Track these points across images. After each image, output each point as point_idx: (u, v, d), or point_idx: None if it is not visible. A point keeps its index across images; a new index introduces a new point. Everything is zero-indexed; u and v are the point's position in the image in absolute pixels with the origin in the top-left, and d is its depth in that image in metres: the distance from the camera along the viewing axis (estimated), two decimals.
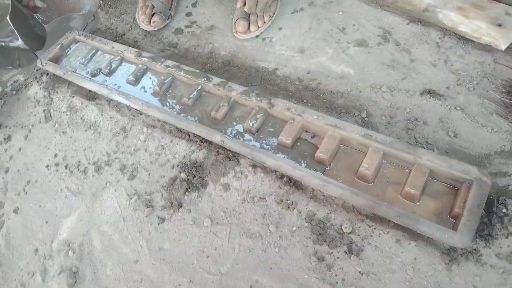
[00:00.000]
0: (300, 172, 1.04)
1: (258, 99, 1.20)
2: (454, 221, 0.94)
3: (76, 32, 1.60)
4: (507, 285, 0.87)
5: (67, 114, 1.44)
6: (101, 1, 1.74)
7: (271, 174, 1.11)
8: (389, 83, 1.20)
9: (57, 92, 1.51)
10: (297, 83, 1.29)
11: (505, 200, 0.94)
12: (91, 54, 1.53)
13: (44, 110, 1.49)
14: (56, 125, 1.44)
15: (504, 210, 0.93)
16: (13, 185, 1.40)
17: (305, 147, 1.13)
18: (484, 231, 0.93)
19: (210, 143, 1.21)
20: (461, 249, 0.92)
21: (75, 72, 1.47)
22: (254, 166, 1.14)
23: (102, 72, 1.47)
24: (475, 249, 0.92)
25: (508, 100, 1.07)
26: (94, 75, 1.47)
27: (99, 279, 1.14)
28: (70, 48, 1.59)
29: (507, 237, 0.91)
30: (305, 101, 1.24)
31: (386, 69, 1.23)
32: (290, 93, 1.28)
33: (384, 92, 1.19)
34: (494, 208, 0.94)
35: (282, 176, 1.10)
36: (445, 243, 0.92)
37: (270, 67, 1.36)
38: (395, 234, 0.97)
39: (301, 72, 1.32)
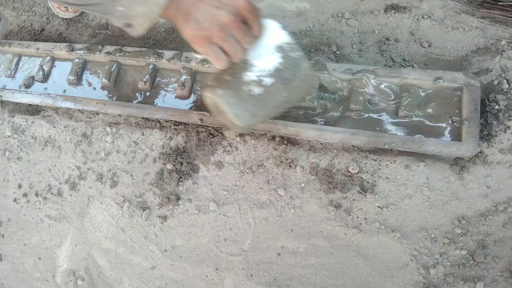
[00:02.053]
0: (293, 128, 0.99)
1: None
2: (457, 127, 0.94)
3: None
4: None
5: (14, 138, 1.28)
6: None
7: (261, 138, 1.06)
8: (349, 7, 1.14)
9: None
10: None
11: (495, 97, 0.95)
12: (14, 62, 1.33)
13: None
14: (7, 153, 1.28)
15: (497, 107, 0.95)
16: None
17: None
18: (484, 132, 0.94)
19: (185, 124, 1.12)
20: (469, 156, 0.94)
21: (5, 88, 1.28)
22: (241, 135, 1.08)
23: (36, 80, 1.29)
24: (480, 152, 0.94)
25: None
26: (28, 85, 1.29)
27: None
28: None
29: (505, 131, 0.94)
30: None
31: None
32: None
33: (348, 19, 1.13)
34: (487, 107, 0.96)
35: (273, 137, 1.05)
36: (453, 156, 0.93)
37: None
38: (402, 161, 0.97)
39: None
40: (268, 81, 0.78)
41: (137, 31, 0.72)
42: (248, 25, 0.73)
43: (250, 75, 0.78)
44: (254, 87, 0.78)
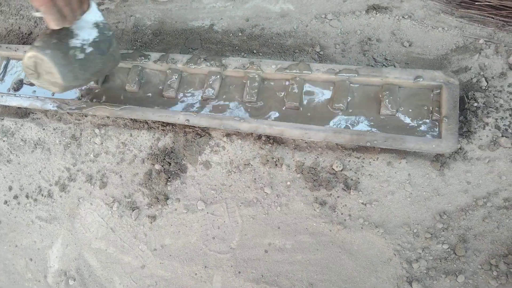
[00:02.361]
0: (278, 127, 1.01)
1: (208, 63, 1.13)
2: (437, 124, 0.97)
3: None
4: (494, 171, 0.94)
5: (3, 141, 1.29)
6: None
7: (248, 138, 1.08)
8: (332, 9, 1.17)
9: None
10: (240, 34, 1.22)
11: (473, 94, 0.98)
12: (2, 66, 1.34)
13: None
14: None
15: (476, 104, 0.97)
16: None
17: (272, 100, 1.09)
18: (463, 129, 0.97)
19: (173, 125, 1.14)
20: (449, 153, 0.96)
21: None
22: (228, 135, 1.10)
23: (25, 83, 1.30)
24: (460, 148, 0.96)
25: None
26: (17, 88, 1.30)
27: None
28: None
29: (484, 128, 0.96)
30: (254, 51, 1.19)
31: None
32: (237, 47, 1.21)
33: (331, 20, 1.15)
34: (466, 105, 0.98)
35: (259, 137, 1.07)
36: (433, 153, 0.96)
37: (206, 25, 1.27)
38: (385, 158, 1.00)
39: (240, 21, 1.24)
40: (88, 49, 0.97)
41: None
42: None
43: (75, 42, 0.95)
44: (78, 52, 0.96)
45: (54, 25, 0.88)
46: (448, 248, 0.93)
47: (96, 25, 0.98)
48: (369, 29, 1.12)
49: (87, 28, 0.97)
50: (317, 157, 1.04)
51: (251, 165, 1.07)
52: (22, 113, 1.30)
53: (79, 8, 0.90)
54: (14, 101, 1.25)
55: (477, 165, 0.95)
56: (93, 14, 0.97)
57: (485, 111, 0.97)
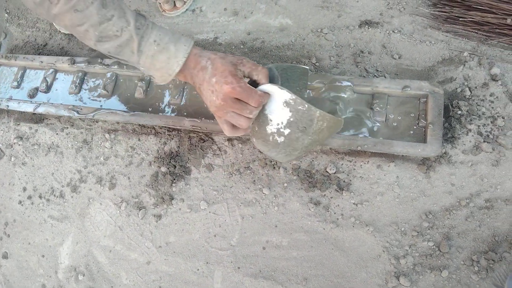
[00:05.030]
0: None
1: None
2: (423, 130, 1.04)
3: None
4: (477, 174, 1.01)
5: (19, 145, 1.38)
6: (6, 15, 1.61)
7: (248, 142, 1.16)
8: (327, 23, 1.25)
9: None
10: (242, 46, 1.31)
11: (458, 103, 1.05)
12: (20, 75, 1.43)
13: None
14: (12, 159, 1.37)
15: (460, 112, 1.05)
16: None
17: None
18: (448, 135, 1.04)
19: (178, 130, 1.22)
20: (434, 156, 1.03)
21: (11, 99, 1.38)
22: (229, 139, 1.17)
23: (40, 91, 1.39)
24: (444, 153, 1.04)
25: (436, 12, 1.16)
26: (32, 95, 1.39)
27: None
28: None
29: (467, 134, 1.04)
30: (255, 62, 1.27)
31: (321, 10, 1.27)
32: None
33: (326, 33, 1.24)
34: (450, 112, 1.06)
35: None
36: (420, 156, 1.03)
37: (210, 38, 1.36)
38: (375, 161, 1.07)
39: (242, 34, 1.33)
40: (286, 131, 0.88)
41: (158, 83, 0.88)
42: (250, 88, 0.81)
43: (270, 128, 0.89)
44: (276, 136, 0.89)
45: (229, 134, 0.88)
46: (433, 245, 1.00)
47: (286, 104, 0.85)
48: (362, 43, 1.20)
49: (279, 110, 0.87)
50: (312, 160, 1.11)
51: (251, 168, 1.14)
52: (37, 118, 1.39)
53: (244, 112, 0.83)
54: (29, 108, 1.34)
55: (460, 168, 1.02)
56: (279, 95, 0.85)
57: (469, 119, 1.04)
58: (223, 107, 0.82)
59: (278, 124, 0.88)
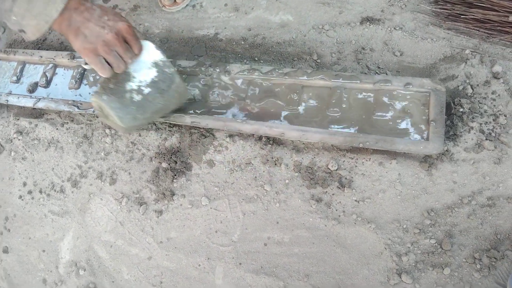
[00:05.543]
0: (277, 129, 1.09)
1: (212, 69, 1.21)
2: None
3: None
4: (479, 172, 1.01)
5: (19, 139, 1.37)
6: None
7: (249, 138, 1.16)
8: (328, 20, 1.25)
9: None
10: (242, 42, 1.30)
11: (459, 100, 1.06)
12: (19, 69, 1.42)
13: None
14: (12, 153, 1.37)
15: (461, 109, 1.05)
16: None
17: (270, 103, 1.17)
18: (450, 132, 1.05)
19: (179, 126, 1.22)
20: (436, 154, 1.03)
21: (10, 93, 1.37)
22: (231, 136, 1.17)
23: (39, 86, 1.38)
24: (446, 150, 1.04)
25: (437, 9, 1.16)
26: (31, 90, 1.38)
27: (120, 286, 1.17)
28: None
29: (469, 132, 1.04)
30: (256, 58, 1.27)
31: (322, 7, 1.27)
32: (239, 55, 1.29)
33: (327, 30, 1.23)
34: (452, 110, 1.06)
35: (260, 138, 1.15)
36: (422, 154, 1.03)
37: (210, 33, 1.35)
38: (377, 158, 1.07)
39: (242, 30, 1.32)
40: (146, 90, 0.96)
41: (29, 38, 0.87)
42: (128, 44, 0.89)
43: (131, 85, 0.95)
44: (134, 94, 0.96)
45: (104, 73, 0.91)
46: (435, 243, 1.00)
47: (155, 64, 0.97)
48: (363, 39, 1.20)
49: (145, 69, 0.96)
50: (314, 157, 1.11)
51: (252, 164, 1.14)
52: (37, 113, 1.38)
53: (125, 54, 0.90)
54: (29, 102, 1.33)
55: (462, 166, 1.03)
56: (151, 54, 0.97)
57: (470, 116, 1.04)
58: (112, 43, 0.86)
59: (140, 82, 0.96)
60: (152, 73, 0.97)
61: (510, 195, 0.98)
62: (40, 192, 1.31)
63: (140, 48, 0.94)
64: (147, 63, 0.96)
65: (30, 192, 1.32)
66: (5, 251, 1.31)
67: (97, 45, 0.86)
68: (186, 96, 1.09)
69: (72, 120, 1.34)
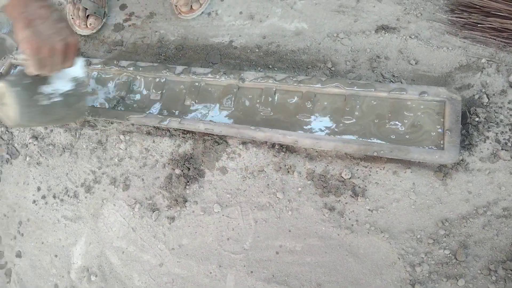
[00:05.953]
0: (291, 136, 1.09)
1: (227, 77, 1.21)
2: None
3: (11, 56, 1.49)
4: (494, 182, 1.00)
5: (34, 144, 1.39)
6: None
7: (262, 146, 1.16)
8: (343, 28, 1.25)
9: None
10: (257, 50, 1.31)
11: (475, 110, 1.05)
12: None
13: (7, 147, 1.42)
14: (27, 158, 1.38)
15: (477, 119, 1.04)
16: (5, 231, 1.35)
17: (285, 110, 1.17)
18: (465, 142, 1.03)
19: (193, 133, 1.22)
20: (451, 164, 1.02)
21: None
22: (244, 143, 1.17)
23: None
24: (462, 160, 1.03)
25: (454, 18, 1.16)
26: None
27: None
28: (11, 75, 1.49)
29: (484, 141, 1.03)
30: (270, 66, 1.27)
31: (337, 15, 1.27)
32: (254, 62, 1.30)
33: (342, 38, 1.23)
34: (468, 119, 1.05)
35: (273, 145, 1.15)
36: (437, 163, 1.02)
37: (225, 41, 1.36)
38: (391, 167, 1.06)
39: (257, 38, 1.33)
40: (56, 99, 1.01)
41: None
42: (66, 56, 0.93)
43: (45, 89, 1.00)
44: (43, 98, 0.99)
45: (32, 70, 0.93)
46: (449, 254, 0.98)
47: (74, 79, 1.04)
48: (378, 48, 1.20)
49: (63, 80, 1.03)
50: (327, 165, 1.11)
51: (265, 172, 1.14)
52: None
53: (60, 64, 0.94)
54: None
55: (478, 176, 1.01)
56: (76, 70, 1.04)
57: (486, 126, 1.03)
58: (57, 52, 0.90)
59: (54, 90, 1.01)
60: (68, 86, 1.03)
61: None
62: (54, 197, 1.32)
63: (72, 65, 0.98)
64: (68, 76, 1.03)
65: (44, 197, 1.33)
66: (18, 255, 1.32)
67: (45, 46, 0.88)
68: (82, 117, 1.22)
69: (87, 126, 1.35)
